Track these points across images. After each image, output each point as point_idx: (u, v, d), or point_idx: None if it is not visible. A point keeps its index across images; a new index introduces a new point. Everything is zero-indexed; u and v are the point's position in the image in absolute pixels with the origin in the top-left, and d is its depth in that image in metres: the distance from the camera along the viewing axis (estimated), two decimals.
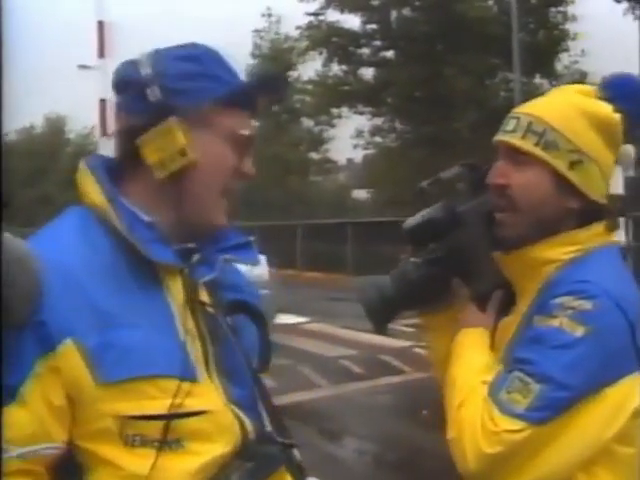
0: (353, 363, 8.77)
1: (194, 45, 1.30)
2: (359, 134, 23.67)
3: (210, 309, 1.29)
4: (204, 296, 1.29)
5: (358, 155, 30.33)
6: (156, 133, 1.22)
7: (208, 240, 1.33)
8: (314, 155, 29.16)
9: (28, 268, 1.06)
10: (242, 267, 1.45)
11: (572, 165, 1.44)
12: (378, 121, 23.15)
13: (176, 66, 1.25)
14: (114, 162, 1.28)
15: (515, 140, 1.47)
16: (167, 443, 1.15)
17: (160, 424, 1.14)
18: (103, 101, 13.47)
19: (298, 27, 22.77)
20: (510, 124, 1.50)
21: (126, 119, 1.26)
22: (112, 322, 1.14)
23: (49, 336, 1.10)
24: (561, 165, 1.44)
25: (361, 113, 22.99)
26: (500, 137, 1.51)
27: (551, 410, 1.30)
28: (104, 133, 14.16)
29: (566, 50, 20.46)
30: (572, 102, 1.49)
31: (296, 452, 1.34)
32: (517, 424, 1.30)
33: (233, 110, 1.27)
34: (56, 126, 41.45)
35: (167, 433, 1.14)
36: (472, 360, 1.48)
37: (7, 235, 1.06)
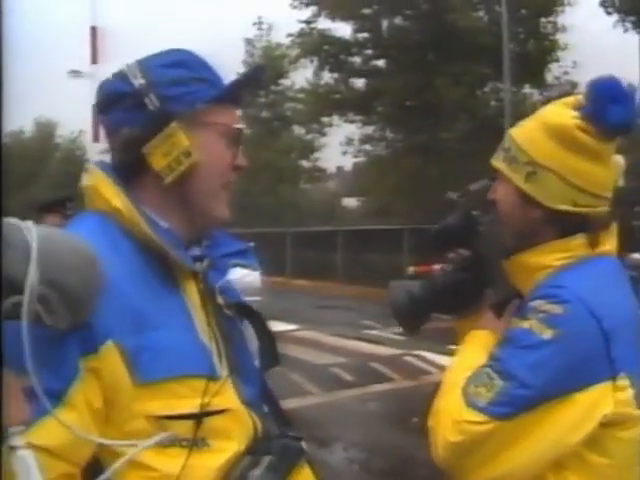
0: (343, 370, 8.77)
1: (176, 51, 1.37)
2: (349, 142, 23.72)
3: (227, 311, 1.35)
4: (220, 299, 1.35)
5: (348, 163, 30.43)
6: (161, 140, 1.27)
7: (210, 246, 1.39)
8: (305, 163, 29.19)
9: (99, 267, 1.10)
10: (234, 274, 1.47)
11: (528, 177, 1.50)
12: (369, 129, 23.22)
13: (167, 73, 1.31)
14: (117, 172, 1.31)
15: (493, 158, 1.59)
16: (195, 442, 1.18)
17: (190, 423, 1.18)
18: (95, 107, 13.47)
19: (290, 35, 22.83)
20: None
21: (126, 131, 1.29)
22: (146, 324, 1.18)
23: (93, 337, 1.13)
24: (517, 178, 1.52)
25: (352, 121, 23.06)
26: None
27: (511, 407, 1.35)
28: (96, 139, 14.12)
29: (556, 60, 20.56)
30: (540, 115, 1.55)
31: (305, 445, 1.37)
32: (478, 416, 1.36)
33: (224, 107, 1.35)
34: (46, 131, 41.33)
35: (198, 431, 1.18)
36: (467, 358, 1.54)
37: (74, 236, 1.12)
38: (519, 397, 1.34)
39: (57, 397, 1.09)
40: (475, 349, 1.55)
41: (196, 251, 1.35)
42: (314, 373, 8.50)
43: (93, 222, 1.27)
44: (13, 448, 0.97)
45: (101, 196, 1.28)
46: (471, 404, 1.37)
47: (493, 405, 1.35)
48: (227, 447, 1.22)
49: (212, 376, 1.22)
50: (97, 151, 14.51)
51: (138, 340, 1.16)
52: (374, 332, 10.53)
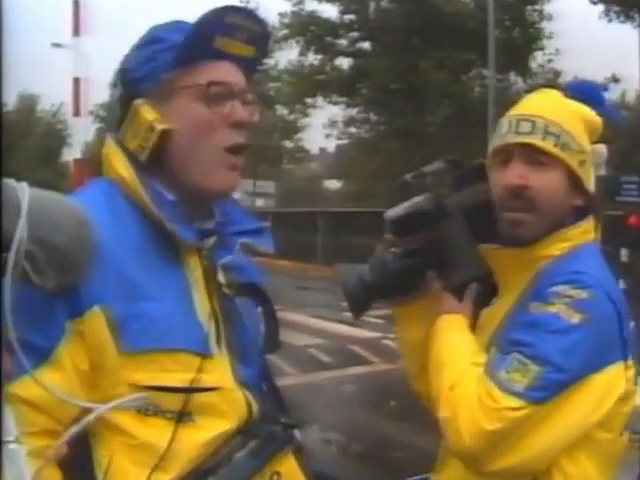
0: (322, 352, 8.81)
1: (155, 27, 1.32)
2: (333, 124, 23.67)
3: (226, 290, 1.32)
4: (221, 277, 1.32)
5: (331, 145, 30.42)
6: (127, 122, 1.26)
7: (224, 222, 1.36)
8: (287, 143, 29.09)
9: (91, 230, 1.11)
10: None
11: (580, 164, 1.51)
12: (352, 112, 23.19)
13: (137, 55, 1.29)
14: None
15: (537, 141, 1.50)
16: (180, 416, 1.18)
17: (174, 396, 1.17)
18: (76, 80, 13.27)
19: (280, 14, 22.62)
20: (524, 126, 1.51)
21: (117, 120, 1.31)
22: (138, 294, 1.17)
23: (79, 301, 1.13)
24: (575, 165, 1.51)
25: (335, 103, 22.99)
26: (518, 139, 1.52)
27: (548, 391, 1.36)
28: (76, 113, 13.93)
29: (541, 49, 20.60)
30: (569, 106, 1.57)
31: (297, 433, 1.35)
32: (517, 402, 1.35)
33: (199, 66, 1.26)
34: (28, 104, 40.86)
35: (186, 406, 1.17)
36: (458, 344, 1.53)
37: (70, 199, 1.13)
38: (554, 381, 1.36)
39: (43, 355, 1.12)
40: (459, 333, 1.56)
41: (209, 225, 1.32)
42: (292, 354, 8.51)
43: (101, 188, 1.27)
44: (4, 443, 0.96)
45: (111, 164, 1.27)
46: (507, 390, 1.36)
47: (530, 390, 1.36)
48: (214, 425, 1.21)
49: (203, 353, 1.21)
50: (77, 124, 14.37)
51: (127, 309, 1.15)
52: None
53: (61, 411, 1.12)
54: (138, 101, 1.25)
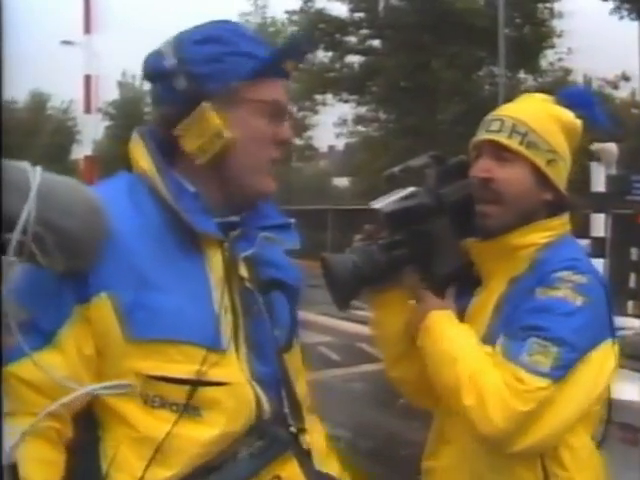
0: (330, 350, 8.81)
1: (213, 23, 1.33)
2: (342, 122, 23.64)
3: (248, 284, 1.31)
4: (243, 271, 1.31)
5: (340, 143, 30.36)
6: (191, 121, 1.25)
7: (251, 216, 1.36)
8: (297, 141, 29.06)
9: (102, 217, 1.13)
10: None
11: (548, 162, 1.63)
12: (362, 110, 23.15)
13: (199, 50, 1.27)
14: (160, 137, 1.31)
15: (502, 139, 1.63)
16: (186, 409, 1.17)
17: (180, 389, 1.17)
18: (88, 77, 13.30)
19: (288, 12, 22.61)
20: (494, 125, 1.66)
21: (159, 109, 1.31)
22: (149, 284, 1.17)
23: (86, 287, 1.14)
24: (541, 162, 1.62)
25: (345, 101, 22.95)
26: (486, 136, 1.66)
27: (565, 369, 1.47)
28: (87, 110, 13.96)
29: (552, 47, 20.50)
30: (544, 108, 1.69)
31: (306, 438, 1.35)
32: (545, 382, 1.45)
33: (263, 81, 1.30)
34: (38, 101, 40.96)
35: (191, 399, 1.17)
36: (462, 336, 1.60)
37: (86, 187, 1.16)
38: (571, 360, 1.47)
39: (47, 337, 1.13)
40: (459, 328, 1.62)
41: (233, 218, 1.33)
42: None
43: (125, 179, 1.29)
44: None
45: (134, 157, 1.29)
46: (535, 371, 1.45)
47: (554, 370, 1.46)
48: (221, 422, 1.20)
49: (212, 346, 1.20)
50: (88, 122, 14.39)
51: (136, 297, 1.16)
52: (362, 312, 10.56)
53: (62, 394, 1.12)
54: (206, 104, 1.25)
